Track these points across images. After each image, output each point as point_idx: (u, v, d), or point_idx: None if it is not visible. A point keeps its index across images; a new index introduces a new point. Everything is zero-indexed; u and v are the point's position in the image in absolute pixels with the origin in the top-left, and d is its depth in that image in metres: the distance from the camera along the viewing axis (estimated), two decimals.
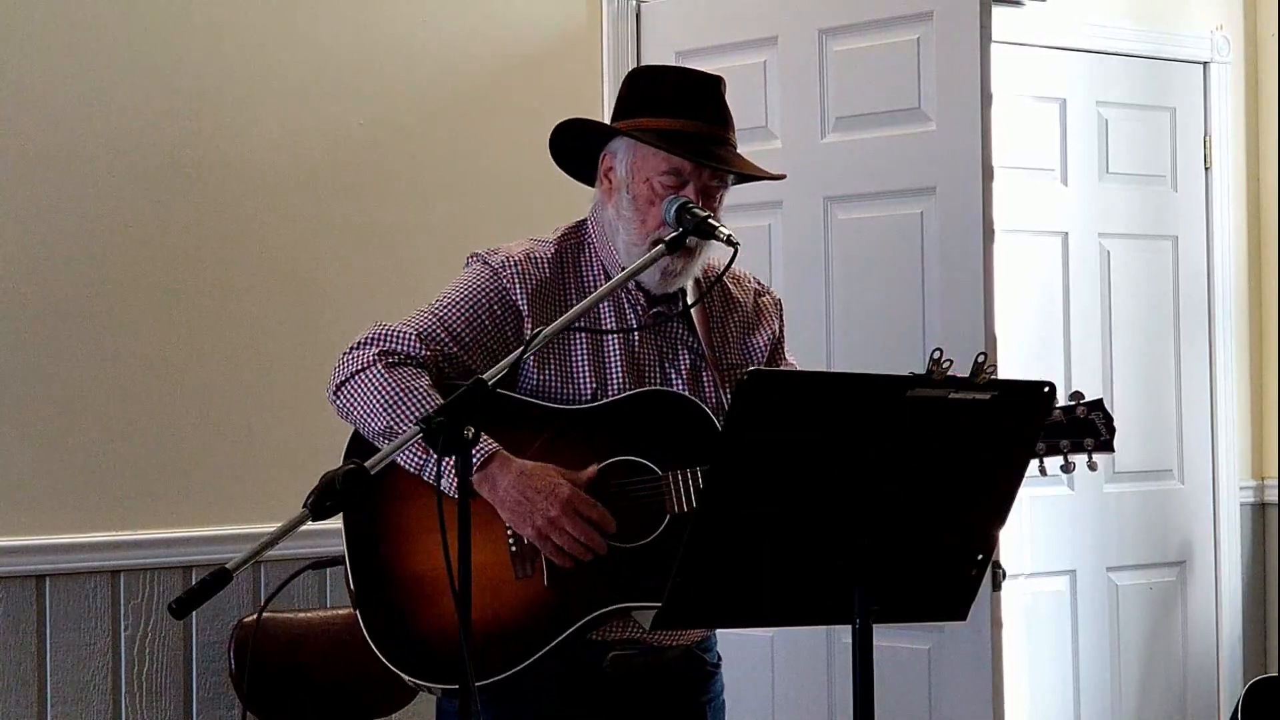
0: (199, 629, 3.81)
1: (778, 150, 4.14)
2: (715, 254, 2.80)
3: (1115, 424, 2.97)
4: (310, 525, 2.18)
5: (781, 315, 2.99)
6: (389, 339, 2.72)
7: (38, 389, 3.69)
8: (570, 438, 2.70)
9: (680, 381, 2.79)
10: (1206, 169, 5.18)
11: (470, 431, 2.21)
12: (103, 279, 3.76)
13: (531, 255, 2.79)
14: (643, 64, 4.29)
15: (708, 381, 2.81)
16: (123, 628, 3.75)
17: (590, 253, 2.83)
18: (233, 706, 3.78)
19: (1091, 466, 3.01)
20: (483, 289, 2.76)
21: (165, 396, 3.82)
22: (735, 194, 2.84)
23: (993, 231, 3.88)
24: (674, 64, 4.13)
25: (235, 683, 3.67)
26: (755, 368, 2.85)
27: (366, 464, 2.21)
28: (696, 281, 2.85)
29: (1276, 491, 5.22)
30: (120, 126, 3.78)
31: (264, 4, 3.95)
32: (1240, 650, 5.20)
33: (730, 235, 2.60)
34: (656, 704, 2.80)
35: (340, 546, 2.72)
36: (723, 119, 2.79)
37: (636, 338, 2.78)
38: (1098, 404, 2.96)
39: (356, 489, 2.17)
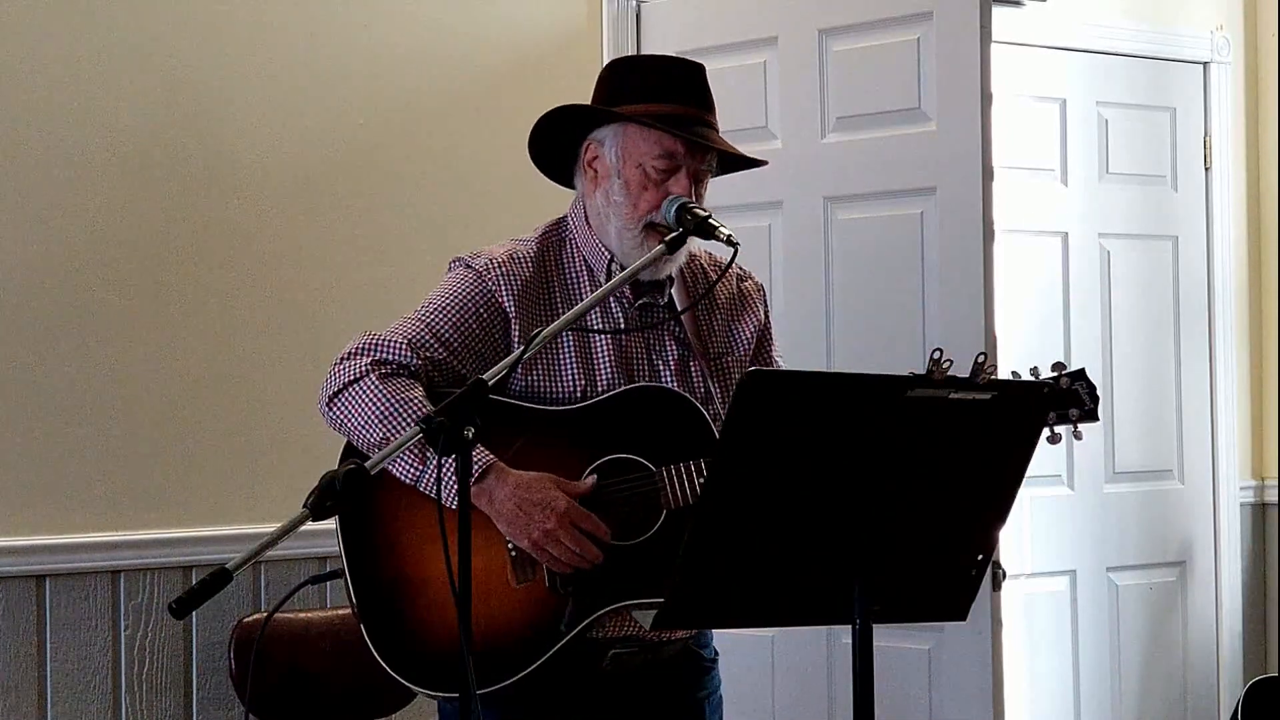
0: (199, 629, 3.81)
1: (778, 150, 4.13)
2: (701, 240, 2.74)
3: (1098, 392, 2.90)
4: (310, 525, 2.19)
5: (766, 303, 2.95)
6: (380, 348, 2.69)
7: (38, 389, 3.69)
8: (561, 438, 2.69)
9: (668, 373, 2.77)
10: (1206, 169, 5.18)
11: (470, 432, 2.20)
12: (102, 279, 3.76)
13: (514, 255, 2.76)
14: None
15: (695, 372, 2.79)
16: (123, 628, 3.75)
17: (572, 248, 2.81)
18: (233, 706, 3.78)
19: (1077, 436, 2.94)
20: (468, 293, 2.73)
21: (165, 396, 3.81)
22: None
23: (993, 231, 3.88)
24: None
25: (235, 683, 3.67)
26: (755, 368, 2.84)
27: (366, 464, 2.21)
28: (681, 270, 2.83)
29: (1276, 491, 5.22)
30: (118, 127, 3.78)
31: (263, 4, 3.95)
32: (1240, 650, 5.19)
33: (730, 235, 2.60)
34: (656, 701, 2.80)
35: (336, 556, 2.72)
36: (708, 104, 2.77)
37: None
38: (1080, 374, 2.90)
39: (356, 489, 2.17)
